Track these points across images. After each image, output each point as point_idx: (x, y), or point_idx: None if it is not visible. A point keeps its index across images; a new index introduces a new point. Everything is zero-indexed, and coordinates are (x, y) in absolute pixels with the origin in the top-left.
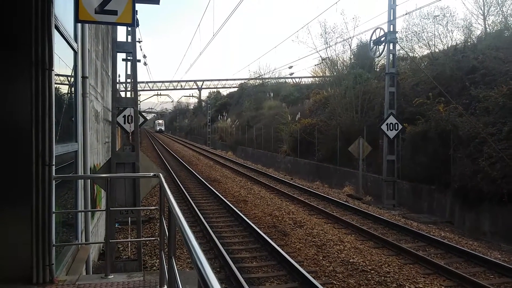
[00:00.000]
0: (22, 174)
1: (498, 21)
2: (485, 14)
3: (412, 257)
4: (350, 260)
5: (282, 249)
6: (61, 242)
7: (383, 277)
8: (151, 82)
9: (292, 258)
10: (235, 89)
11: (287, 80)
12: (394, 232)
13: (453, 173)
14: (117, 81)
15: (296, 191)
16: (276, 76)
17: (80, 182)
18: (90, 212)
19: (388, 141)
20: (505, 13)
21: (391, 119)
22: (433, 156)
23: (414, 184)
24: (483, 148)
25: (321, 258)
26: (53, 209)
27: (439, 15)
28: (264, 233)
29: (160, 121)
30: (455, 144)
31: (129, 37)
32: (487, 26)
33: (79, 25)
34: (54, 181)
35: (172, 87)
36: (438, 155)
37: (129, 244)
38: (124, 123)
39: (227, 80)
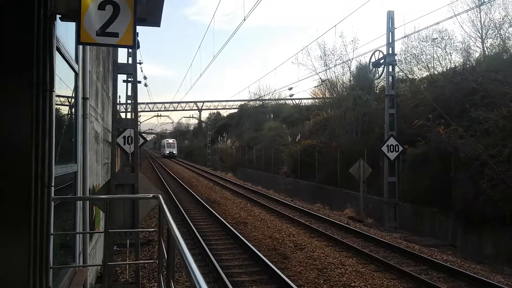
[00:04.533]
0: (20, 195)
1: (496, 43)
2: (483, 37)
3: (415, 281)
4: (352, 284)
5: (282, 273)
6: (58, 264)
7: None
8: (151, 103)
9: (292, 282)
10: (235, 110)
11: (287, 101)
12: (396, 255)
13: (454, 195)
14: (118, 102)
15: (296, 213)
16: (276, 98)
17: (79, 204)
18: (88, 234)
19: (389, 163)
20: (503, 36)
21: (392, 141)
22: (434, 178)
23: (416, 206)
24: (484, 170)
25: (322, 281)
26: (51, 231)
27: (437, 38)
28: (264, 256)
29: (171, 141)
30: (456, 166)
31: (130, 58)
32: (485, 48)
33: (80, 46)
34: (53, 202)
35: (173, 108)
36: (439, 177)
37: (127, 267)
38: (124, 144)
39: (227, 101)
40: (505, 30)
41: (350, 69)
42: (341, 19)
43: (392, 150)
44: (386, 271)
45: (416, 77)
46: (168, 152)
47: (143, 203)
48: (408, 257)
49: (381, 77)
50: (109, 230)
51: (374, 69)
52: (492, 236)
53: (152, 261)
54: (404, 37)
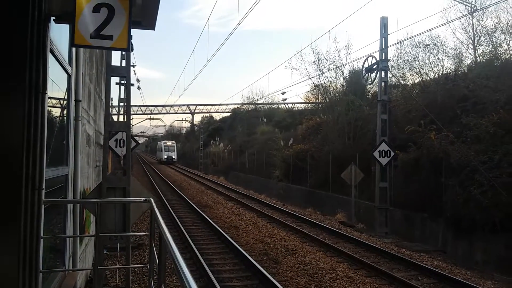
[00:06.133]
0: (11, 197)
1: (488, 50)
2: (475, 44)
3: (405, 286)
4: None
5: (274, 278)
6: (48, 268)
7: None
8: (144, 106)
9: (283, 287)
10: (228, 114)
11: (280, 105)
12: (386, 261)
13: (445, 201)
14: (110, 104)
15: (288, 218)
16: (269, 102)
17: (69, 207)
18: (78, 238)
19: (381, 168)
20: (494, 43)
21: (383, 146)
22: (425, 183)
23: (407, 212)
24: (475, 176)
25: (313, 287)
26: (41, 234)
27: (430, 44)
28: (255, 260)
29: (170, 143)
30: (447, 171)
31: (124, 61)
32: (477, 55)
33: (74, 49)
34: (43, 205)
35: (165, 111)
36: (430, 183)
37: (118, 271)
38: (116, 147)
39: (220, 104)
40: (497, 37)
41: (343, 74)
42: (335, 24)
43: (384, 155)
44: (377, 277)
45: (408, 83)
46: (166, 157)
47: (135, 207)
48: (399, 263)
49: (374, 83)
50: (100, 234)
51: (367, 75)
52: (482, 242)
53: (143, 265)
54: (397, 43)
